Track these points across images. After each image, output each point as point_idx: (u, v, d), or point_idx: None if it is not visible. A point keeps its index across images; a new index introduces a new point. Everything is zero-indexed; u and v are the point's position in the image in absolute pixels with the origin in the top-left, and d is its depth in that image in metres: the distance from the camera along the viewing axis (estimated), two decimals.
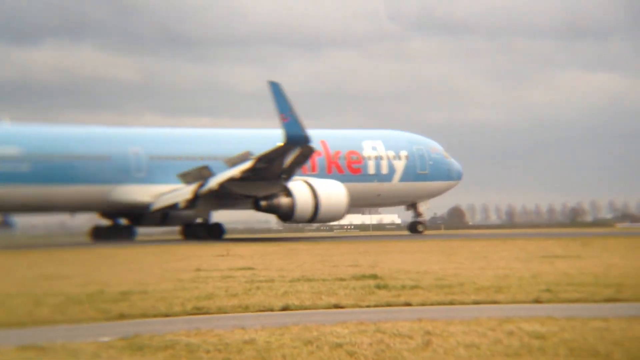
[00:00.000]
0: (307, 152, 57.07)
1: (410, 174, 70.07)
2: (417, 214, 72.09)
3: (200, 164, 61.46)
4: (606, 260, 32.23)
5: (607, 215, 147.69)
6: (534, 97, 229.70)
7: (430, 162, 70.98)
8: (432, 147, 71.71)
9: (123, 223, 64.88)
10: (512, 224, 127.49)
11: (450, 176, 72.14)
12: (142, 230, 65.79)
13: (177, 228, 66.08)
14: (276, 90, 55.01)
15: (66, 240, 62.27)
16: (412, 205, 71.79)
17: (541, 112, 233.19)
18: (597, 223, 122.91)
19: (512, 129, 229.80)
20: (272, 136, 58.92)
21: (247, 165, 58.32)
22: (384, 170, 69.23)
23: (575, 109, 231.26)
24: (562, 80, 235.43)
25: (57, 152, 60.10)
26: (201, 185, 60.47)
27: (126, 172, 61.65)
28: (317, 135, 62.60)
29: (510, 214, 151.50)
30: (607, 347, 13.20)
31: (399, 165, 69.79)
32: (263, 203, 60.50)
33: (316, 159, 64.63)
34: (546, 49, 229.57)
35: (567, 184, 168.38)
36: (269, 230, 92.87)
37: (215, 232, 63.52)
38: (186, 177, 61.50)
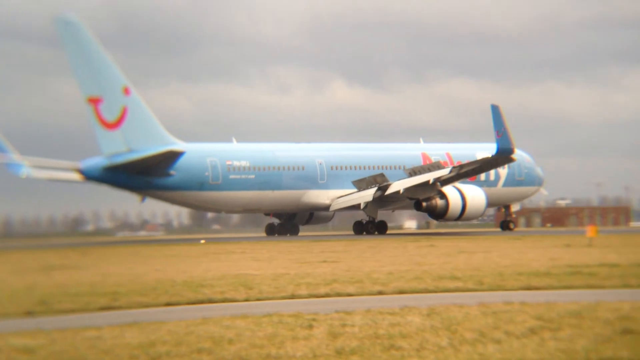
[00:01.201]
0: (508, 162, 74.57)
1: (510, 181, 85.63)
2: (509, 214, 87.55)
3: (372, 172, 78.58)
4: (103, 269, 32.98)
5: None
6: None
7: (525, 170, 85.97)
8: (526, 157, 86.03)
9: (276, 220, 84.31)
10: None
11: (539, 182, 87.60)
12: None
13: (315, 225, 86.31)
14: (495, 111, 68.31)
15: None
16: (505, 207, 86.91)
17: None
18: (99, 232, 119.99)
19: None
20: (416, 150, 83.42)
21: (443, 172, 74.39)
22: (492, 177, 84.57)
23: None
24: None
25: (271, 164, 77.61)
26: (380, 189, 76.11)
27: (313, 180, 78.86)
28: (443, 148, 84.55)
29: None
30: (99, 355, 13.44)
31: (503, 173, 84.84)
32: (423, 204, 76.77)
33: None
34: None
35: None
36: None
37: (381, 228, 79.72)
38: (360, 183, 78.05)
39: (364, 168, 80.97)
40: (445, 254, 44.16)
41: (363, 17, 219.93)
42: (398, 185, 76.05)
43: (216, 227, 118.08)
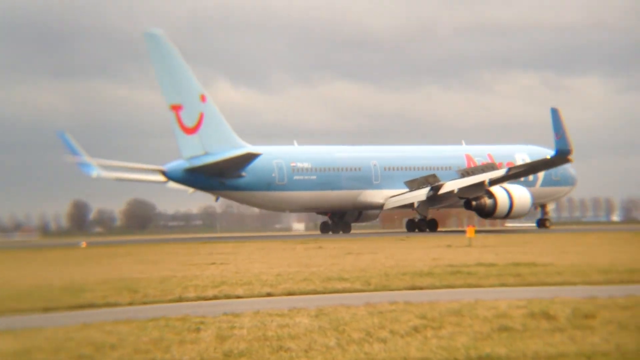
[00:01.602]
0: (565, 162, 79.29)
1: (547, 180, 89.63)
2: (545, 213, 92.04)
3: (422, 173, 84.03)
4: None
5: None
6: None
7: (561, 171, 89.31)
8: None
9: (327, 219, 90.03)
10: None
11: (572, 182, 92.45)
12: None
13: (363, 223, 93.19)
14: (555, 115, 72.41)
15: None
16: (542, 205, 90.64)
17: None
18: None
19: None
20: (458, 151, 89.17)
21: (499, 173, 79.29)
22: (531, 177, 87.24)
23: None
24: None
25: (331, 165, 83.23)
26: (432, 189, 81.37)
27: (369, 181, 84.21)
28: (485, 150, 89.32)
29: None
30: None
31: (540, 174, 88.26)
32: (473, 203, 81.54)
33: None
34: None
35: None
36: None
37: (432, 226, 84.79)
38: (412, 184, 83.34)
39: (414, 169, 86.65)
40: (333, 256, 44.72)
41: (247, 18, 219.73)
42: (452, 185, 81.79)
43: (98, 229, 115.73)
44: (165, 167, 78.73)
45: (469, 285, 28.19)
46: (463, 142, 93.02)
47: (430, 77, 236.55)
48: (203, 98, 77.04)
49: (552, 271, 32.01)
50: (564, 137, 73.56)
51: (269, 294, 26.68)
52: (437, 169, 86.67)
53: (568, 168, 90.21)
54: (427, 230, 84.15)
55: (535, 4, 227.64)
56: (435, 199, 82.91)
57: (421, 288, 27.79)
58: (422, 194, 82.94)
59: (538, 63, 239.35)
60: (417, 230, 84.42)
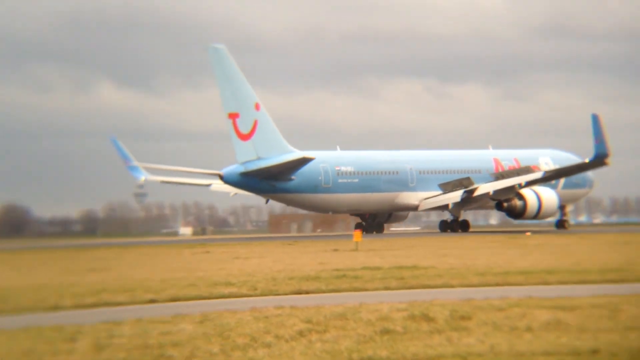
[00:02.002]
0: (601, 166, 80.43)
1: (568, 183, 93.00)
2: (564, 214, 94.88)
3: (454, 176, 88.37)
4: None
5: None
6: None
7: (581, 174, 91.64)
8: (575, 161, 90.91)
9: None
10: None
11: (590, 185, 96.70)
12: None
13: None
14: (595, 120, 75.96)
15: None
16: (561, 207, 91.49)
17: None
18: None
19: None
20: (484, 155, 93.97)
21: (536, 176, 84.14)
22: (553, 180, 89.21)
23: None
24: None
25: (371, 169, 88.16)
26: (467, 191, 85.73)
27: (405, 184, 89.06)
28: (511, 154, 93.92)
29: None
30: None
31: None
32: (505, 205, 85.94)
33: None
34: None
35: None
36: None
37: (465, 227, 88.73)
38: (446, 186, 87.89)
39: (447, 172, 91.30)
40: (220, 260, 44.45)
41: (133, 18, 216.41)
42: (487, 188, 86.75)
43: None
44: (222, 171, 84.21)
45: (355, 289, 28.59)
46: (490, 146, 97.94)
47: (317, 82, 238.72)
48: (257, 106, 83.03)
49: (432, 274, 32.82)
50: (603, 142, 77.40)
51: (152, 301, 26.28)
52: (468, 172, 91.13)
53: (587, 172, 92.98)
54: (459, 230, 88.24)
55: (420, 14, 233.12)
56: (468, 200, 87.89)
57: (307, 292, 27.99)
58: (456, 195, 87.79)
59: (421, 71, 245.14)
60: (449, 230, 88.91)
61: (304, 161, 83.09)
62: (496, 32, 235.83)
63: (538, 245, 56.24)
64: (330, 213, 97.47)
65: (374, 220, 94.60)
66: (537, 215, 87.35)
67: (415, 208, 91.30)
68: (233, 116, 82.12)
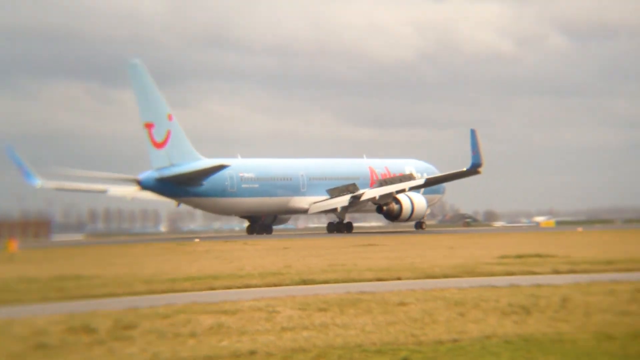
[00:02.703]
0: (474, 174, 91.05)
1: (428, 189, 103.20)
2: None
3: (342, 183, 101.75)
4: None
5: None
6: None
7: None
8: (434, 170, 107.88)
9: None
10: None
11: (443, 191, 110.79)
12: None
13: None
14: (473, 134, 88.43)
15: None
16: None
17: None
18: None
19: None
20: (373, 164, 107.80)
21: (417, 182, 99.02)
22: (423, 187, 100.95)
23: None
24: None
25: (269, 176, 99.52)
26: (355, 196, 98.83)
27: (297, 189, 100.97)
28: (382, 163, 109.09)
29: None
30: None
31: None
32: (384, 208, 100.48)
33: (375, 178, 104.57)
34: None
35: None
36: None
37: (349, 228, 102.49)
38: (333, 192, 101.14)
39: (333, 179, 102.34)
40: None
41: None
42: (372, 193, 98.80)
43: None
44: (140, 177, 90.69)
45: (5, 302, 26.77)
46: (364, 155, 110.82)
47: None
48: (170, 117, 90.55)
49: (97, 283, 31.92)
50: (478, 153, 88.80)
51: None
52: (350, 178, 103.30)
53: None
54: (345, 231, 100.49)
55: (76, 13, 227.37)
56: (354, 204, 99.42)
57: None
58: (344, 200, 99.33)
59: (82, 73, 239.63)
60: (335, 231, 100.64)
61: (220, 168, 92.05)
62: (156, 38, 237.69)
63: (205, 252, 57.17)
64: (233, 215, 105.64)
65: (261, 223, 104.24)
66: (410, 217, 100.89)
67: (305, 211, 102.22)
68: (148, 126, 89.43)
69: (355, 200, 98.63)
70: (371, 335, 18.76)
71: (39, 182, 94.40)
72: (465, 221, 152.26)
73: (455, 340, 18.16)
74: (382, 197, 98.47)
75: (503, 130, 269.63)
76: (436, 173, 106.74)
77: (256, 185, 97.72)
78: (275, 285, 30.71)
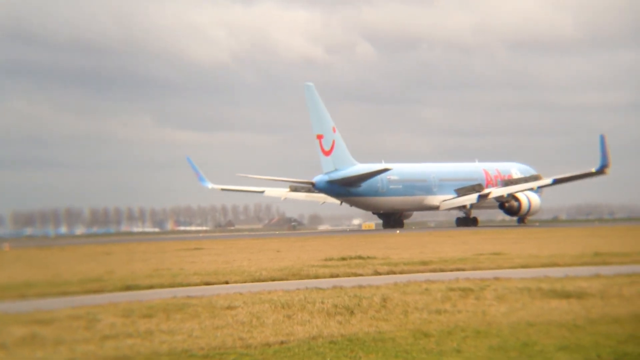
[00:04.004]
0: (600, 175, 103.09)
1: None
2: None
3: (468, 184, 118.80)
4: None
5: None
6: None
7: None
8: (532, 172, 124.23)
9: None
10: None
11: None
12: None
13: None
14: (602, 140, 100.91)
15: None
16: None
17: None
18: None
19: None
20: (479, 167, 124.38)
21: (544, 182, 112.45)
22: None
23: None
24: None
25: (409, 178, 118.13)
26: (482, 195, 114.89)
27: (430, 189, 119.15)
28: (494, 166, 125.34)
29: None
30: None
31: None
32: (506, 205, 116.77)
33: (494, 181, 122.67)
34: None
35: None
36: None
37: (475, 223, 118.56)
38: (460, 191, 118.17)
39: (456, 180, 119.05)
40: None
41: None
42: (500, 192, 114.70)
43: None
44: (314, 180, 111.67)
45: None
46: (476, 160, 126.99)
47: None
48: (334, 129, 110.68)
49: None
50: (606, 156, 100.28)
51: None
52: (470, 180, 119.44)
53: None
54: (473, 225, 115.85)
55: None
56: (480, 202, 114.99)
57: None
58: (472, 198, 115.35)
59: None
60: (464, 225, 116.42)
61: (385, 170, 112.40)
62: None
63: (16, 259, 54.73)
64: (381, 212, 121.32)
65: (396, 218, 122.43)
66: (527, 213, 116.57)
67: (437, 207, 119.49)
68: (319, 137, 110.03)
69: (483, 198, 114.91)
70: (199, 340, 18.54)
71: (210, 185, 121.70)
72: (291, 225, 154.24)
73: (282, 343, 18.30)
74: (500, 196, 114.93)
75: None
76: (533, 173, 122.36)
77: (400, 186, 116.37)
78: (96, 292, 29.75)
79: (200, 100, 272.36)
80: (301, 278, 33.15)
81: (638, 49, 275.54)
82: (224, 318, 21.45)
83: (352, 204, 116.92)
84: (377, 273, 34.84)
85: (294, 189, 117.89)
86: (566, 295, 24.96)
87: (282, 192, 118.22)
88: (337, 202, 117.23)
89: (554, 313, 21.96)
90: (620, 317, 21.01)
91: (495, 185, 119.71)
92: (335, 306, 23.08)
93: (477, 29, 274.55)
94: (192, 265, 41.70)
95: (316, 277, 33.59)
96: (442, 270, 35.49)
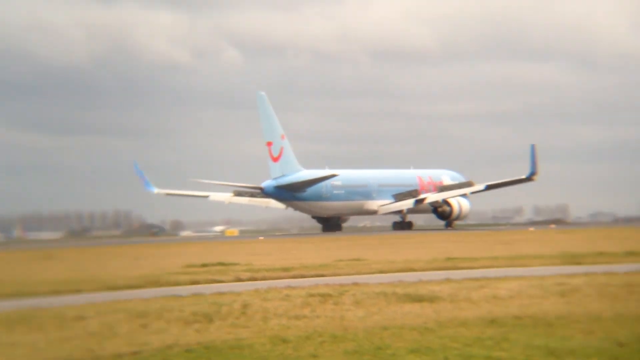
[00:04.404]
0: (529, 181, 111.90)
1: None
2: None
3: (405, 189, 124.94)
4: None
5: None
6: None
7: None
8: (462, 179, 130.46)
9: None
10: None
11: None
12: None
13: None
14: (532, 149, 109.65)
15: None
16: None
17: None
18: None
19: None
20: (422, 174, 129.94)
21: (477, 187, 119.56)
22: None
23: None
24: None
25: (350, 184, 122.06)
26: (419, 200, 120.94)
27: (369, 194, 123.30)
28: (427, 173, 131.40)
29: None
30: None
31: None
32: (439, 210, 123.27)
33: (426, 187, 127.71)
34: None
35: None
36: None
37: (410, 226, 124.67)
38: (398, 197, 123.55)
39: (393, 186, 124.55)
40: None
41: None
42: (435, 197, 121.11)
43: None
44: (263, 185, 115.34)
45: None
46: (411, 167, 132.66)
47: None
48: (282, 137, 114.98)
49: None
50: (535, 164, 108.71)
51: None
52: (405, 186, 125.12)
53: None
54: (407, 229, 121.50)
55: None
56: (416, 206, 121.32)
57: None
58: (409, 202, 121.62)
59: None
60: (400, 229, 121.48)
61: (332, 176, 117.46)
62: None
63: None
64: (324, 216, 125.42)
65: (334, 222, 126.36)
66: (458, 217, 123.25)
67: (375, 212, 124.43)
68: (269, 144, 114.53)
69: (419, 203, 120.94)
70: (44, 353, 17.89)
71: (155, 190, 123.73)
72: (152, 231, 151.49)
73: (135, 353, 17.96)
74: (434, 201, 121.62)
75: (185, 139, 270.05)
76: (463, 180, 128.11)
77: (342, 192, 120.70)
78: None
79: (54, 102, 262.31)
80: (160, 286, 32.68)
81: (490, 62, 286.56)
82: (73, 329, 20.69)
83: (296, 208, 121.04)
84: (238, 280, 34.83)
85: (238, 194, 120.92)
86: (419, 299, 25.78)
87: (227, 197, 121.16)
88: (280, 206, 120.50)
89: (407, 317, 22.62)
90: (468, 320, 21.88)
91: (428, 190, 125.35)
92: (194, 314, 22.90)
93: (341, 37, 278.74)
94: (42, 273, 40.28)
95: (176, 284, 33.21)
96: (303, 277, 35.87)
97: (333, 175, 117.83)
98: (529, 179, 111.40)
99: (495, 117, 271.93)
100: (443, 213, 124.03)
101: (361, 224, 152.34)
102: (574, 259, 41.97)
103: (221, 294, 28.06)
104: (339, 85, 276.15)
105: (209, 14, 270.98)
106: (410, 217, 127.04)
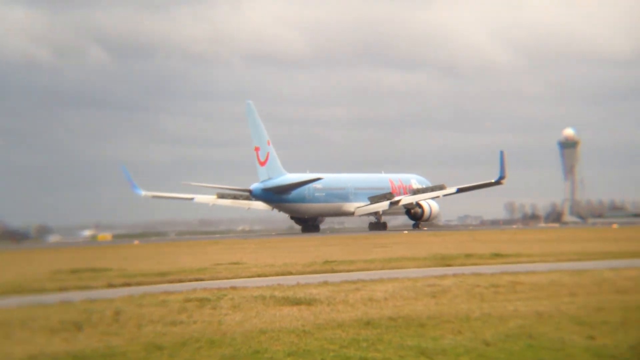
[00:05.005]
0: (497, 185, 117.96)
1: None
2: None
3: (379, 192, 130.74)
4: None
5: None
6: None
7: None
8: (428, 182, 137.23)
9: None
10: None
11: None
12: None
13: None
14: (501, 155, 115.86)
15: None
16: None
17: None
18: None
19: None
20: (393, 178, 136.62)
21: (449, 190, 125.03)
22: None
23: None
24: None
25: (330, 187, 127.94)
26: (393, 202, 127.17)
27: (347, 196, 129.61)
28: (397, 177, 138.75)
29: None
30: None
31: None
32: (412, 211, 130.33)
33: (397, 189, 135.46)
34: None
35: None
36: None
37: (385, 227, 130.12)
38: (373, 199, 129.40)
39: (368, 189, 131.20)
40: None
41: None
42: (411, 199, 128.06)
43: None
44: (251, 188, 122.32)
45: None
46: (382, 171, 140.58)
47: None
48: (268, 142, 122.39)
49: None
50: (504, 169, 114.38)
51: None
52: (379, 189, 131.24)
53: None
54: (382, 229, 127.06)
55: None
56: (391, 208, 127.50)
57: None
58: (384, 205, 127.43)
59: None
60: (376, 229, 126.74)
61: (317, 179, 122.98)
62: None
63: None
64: (306, 216, 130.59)
65: (312, 222, 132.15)
66: (429, 218, 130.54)
67: (352, 213, 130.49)
68: (256, 149, 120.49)
69: (393, 205, 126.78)
70: None
71: (142, 192, 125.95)
72: (15, 237, 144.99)
73: None
74: (407, 203, 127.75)
75: (45, 140, 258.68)
76: (428, 184, 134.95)
77: (323, 194, 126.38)
78: None
79: None
80: (23, 294, 31.27)
81: (360, 69, 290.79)
82: None
83: (281, 209, 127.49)
84: (111, 286, 33.77)
85: (221, 196, 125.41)
86: (297, 302, 25.66)
87: (211, 199, 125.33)
88: (264, 207, 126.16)
89: (285, 320, 22.44)
90: (345, 321, 21.91)
91: (399, 193, 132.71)
92: (62, 322, 21.89)
93: (213, 40, 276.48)
94: None
95: (42, 291, 31.87)
96: (180, 281, 35.17)
97: (319, 179, 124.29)
98: (497, 182, 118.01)
99: (366, 122, 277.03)
100: (415, 214, 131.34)
101: (337, 226, 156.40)
102: (444, 260, 43.01)
103: (92, 300, 27.06)
104: (213, 89, 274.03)
105: (71, 11, 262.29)
106: (384, 218, 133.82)
